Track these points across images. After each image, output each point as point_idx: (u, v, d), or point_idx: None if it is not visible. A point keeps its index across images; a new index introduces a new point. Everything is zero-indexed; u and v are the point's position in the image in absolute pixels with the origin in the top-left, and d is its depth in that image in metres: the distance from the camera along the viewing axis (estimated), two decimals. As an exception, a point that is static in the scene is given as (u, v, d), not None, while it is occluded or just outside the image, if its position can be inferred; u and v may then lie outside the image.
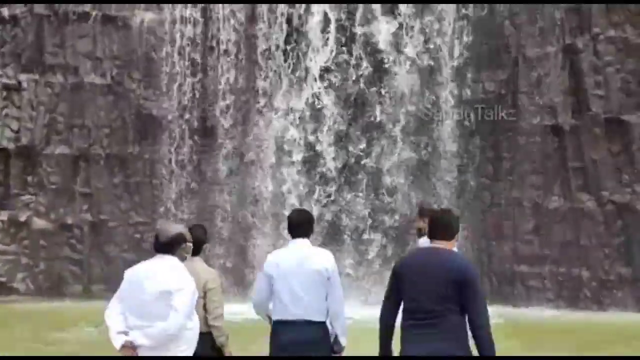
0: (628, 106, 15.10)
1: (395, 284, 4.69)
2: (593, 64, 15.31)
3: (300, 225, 5.51)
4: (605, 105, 15.20)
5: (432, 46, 16.31)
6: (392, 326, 4.74)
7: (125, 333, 4.70)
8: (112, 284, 16.21)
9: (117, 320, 4.78)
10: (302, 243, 5.47)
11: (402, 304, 4.69)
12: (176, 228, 5.05)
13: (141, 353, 4.64)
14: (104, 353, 9.27)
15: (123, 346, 4.67)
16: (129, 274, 4.92)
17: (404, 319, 4.66)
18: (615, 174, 15.07)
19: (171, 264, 4.85)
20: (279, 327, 5.37)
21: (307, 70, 16.35)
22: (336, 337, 5.39)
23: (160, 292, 4.70)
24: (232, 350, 5.72)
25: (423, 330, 4.53)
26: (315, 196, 16.11)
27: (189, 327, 4.79)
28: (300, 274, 5.33)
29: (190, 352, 4.82)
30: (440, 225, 4.75)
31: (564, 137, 15.53)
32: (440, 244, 4.72)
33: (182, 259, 4.97)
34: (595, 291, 14.97)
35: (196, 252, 5.59)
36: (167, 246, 4.89)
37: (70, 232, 16.56)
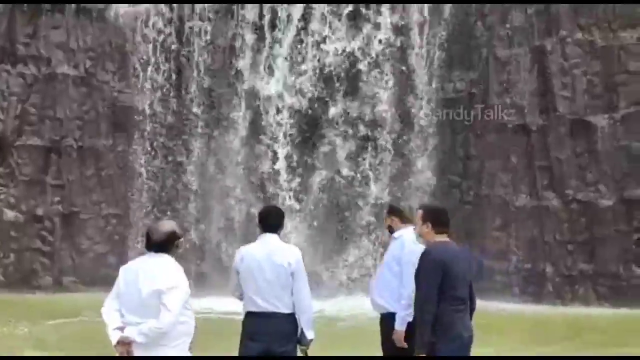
0: (593, 108, 15.51)
1: (441, 276, 5.29)
2: (560, 65, 15.69)
3: (268, 220, 5.67)
4: (571, 106, 15.59)
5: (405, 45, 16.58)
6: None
7: (121, 329, 4.80)
8: (82, 276, 16.35)
9: (114, 316, 4.86)
10: (270, 238, 5.61)
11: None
12: (168, 226, 5.05)
13: (135, 349, 4.73)
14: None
15: (118, 342, 4.77)
16: (124, 270, 4.99)
17: (444, 306, 5.31)
18: (580, 173, 15.48)
19: (165, 261, 4.92)
20: (248, 318, 5.58)
21: (275, 60, 16.49)
22: (302, 330, 5.54)
23: (153, 290, 4.78)
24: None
25: (460, 314, 5.36)
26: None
27: (182, 321, 4.90)
28: (266, 269, 5.48)
29: (185, 346, 4.93)
30: (447, 221, 5.48)
31: (531, 136, 15.90)
32: (448, 239, 5.43)
33: (174, 255, 5.01)
34: (558, 287, 15.38)
35: None
36: (161, 245, 4.92)
37: (41, 223, 16.42)
